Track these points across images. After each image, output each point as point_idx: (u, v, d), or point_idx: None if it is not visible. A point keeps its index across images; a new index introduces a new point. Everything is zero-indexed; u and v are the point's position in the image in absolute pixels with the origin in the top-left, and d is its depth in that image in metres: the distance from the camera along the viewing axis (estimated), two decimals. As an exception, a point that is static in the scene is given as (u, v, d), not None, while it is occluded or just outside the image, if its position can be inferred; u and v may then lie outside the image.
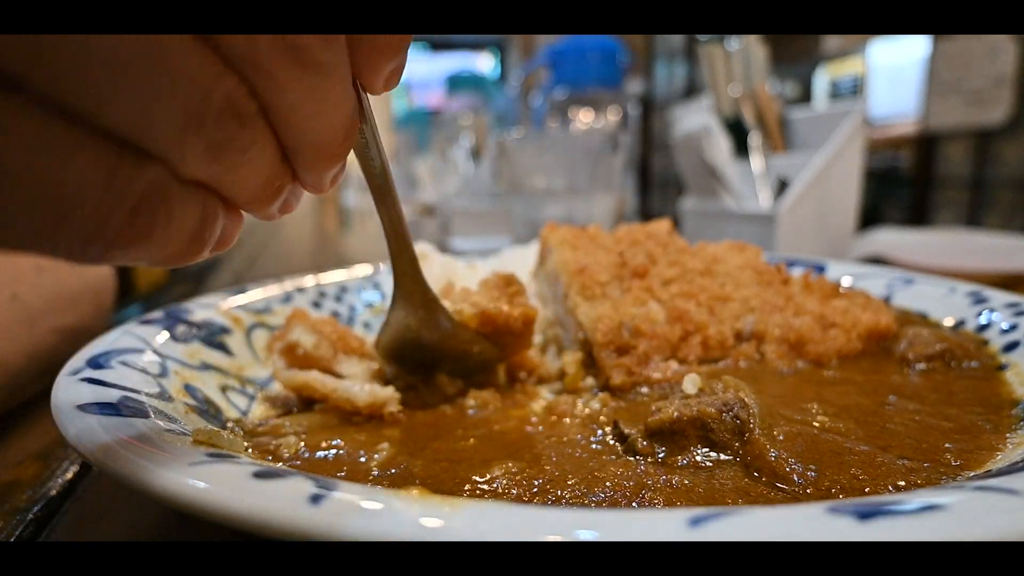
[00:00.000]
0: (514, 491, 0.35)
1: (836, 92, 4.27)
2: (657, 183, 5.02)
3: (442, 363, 0.53)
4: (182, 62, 0.21)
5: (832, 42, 4.28)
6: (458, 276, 0.73)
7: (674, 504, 0.33)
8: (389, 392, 0.49)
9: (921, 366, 0.52)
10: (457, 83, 4.02)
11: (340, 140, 0.29)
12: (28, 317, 0.62)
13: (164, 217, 0.24)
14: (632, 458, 0.39)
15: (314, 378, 0.50)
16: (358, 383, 0.50)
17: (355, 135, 0.30)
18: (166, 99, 0.22)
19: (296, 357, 0.54)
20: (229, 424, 0.47)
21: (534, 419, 0.47)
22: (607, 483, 0.35)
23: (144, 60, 0.21)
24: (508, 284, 0.54)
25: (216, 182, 0.26)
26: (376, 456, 0.41)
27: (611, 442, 0.42)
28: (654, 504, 0.33)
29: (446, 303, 0.52)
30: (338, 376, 0.53)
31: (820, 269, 0.78)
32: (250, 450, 0.42)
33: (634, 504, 0.33)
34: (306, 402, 0.52)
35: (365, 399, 0.48)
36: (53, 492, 0.43)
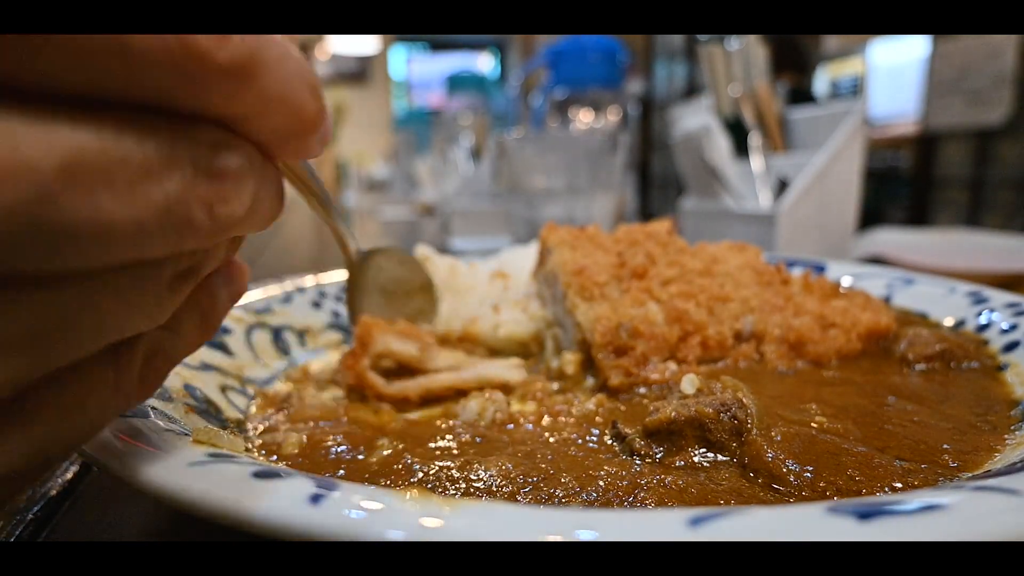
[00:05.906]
0: (507, 488, 0.35)
1: (836, 92, 4.27)
2: (657, 183, 5.03)
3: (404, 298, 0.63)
4: None
5: (832, 42, 4.28)
6: (458, 276, 0.73)
7: (666, 504, 0.33)
8: (523, 368, 0.57)
9: (921, 366, 0.52)
10: (457, 83, 4.02)
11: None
12: None
13: None
14: (629, 458, 0.39)
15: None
16: (502, 366, 0.56)
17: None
18: None
19: (382, 367, 0.55)
20: (229, 424, 0.47)
21: (531, 419, 0.47)
22: (600, 482, 0.35)
23: None
24: None
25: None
26: (376, 455, 0.41)
27: (608, 442, 0.42)
28: (646, 504, 0.33)
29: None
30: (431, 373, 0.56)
31: (820, 269, 0.78)
32: (251, 449, 0.42)
33: (626, 503, 0.33)
34: (293, 400, 0.52)
35: (519, 377, 0.55)
36: (53, 492, 0.43)
